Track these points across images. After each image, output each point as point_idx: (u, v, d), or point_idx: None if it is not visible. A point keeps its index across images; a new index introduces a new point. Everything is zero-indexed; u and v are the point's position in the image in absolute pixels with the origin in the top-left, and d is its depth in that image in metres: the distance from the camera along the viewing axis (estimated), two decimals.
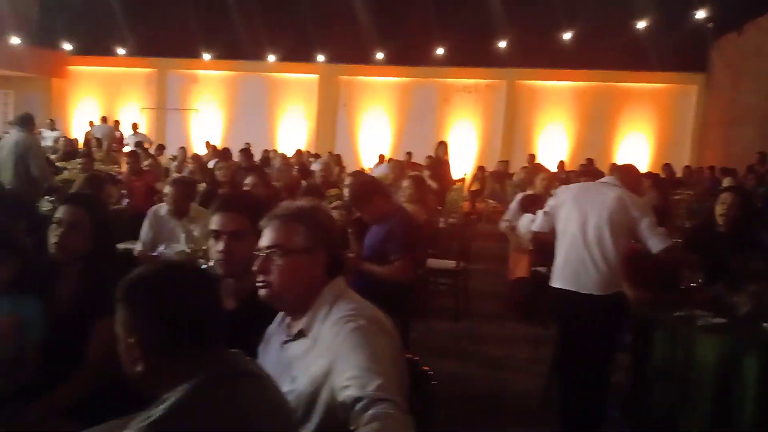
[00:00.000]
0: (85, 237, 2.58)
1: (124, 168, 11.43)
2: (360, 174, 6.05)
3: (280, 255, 1.86)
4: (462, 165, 15.92)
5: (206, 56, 17.44)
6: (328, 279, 1.90)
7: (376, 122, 17.80)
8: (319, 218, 1.95)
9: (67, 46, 18.28)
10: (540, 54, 15.36)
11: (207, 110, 18.47)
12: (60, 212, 2.58)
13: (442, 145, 11.42)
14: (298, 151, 13.50)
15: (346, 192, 5.24)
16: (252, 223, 2.40)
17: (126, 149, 14.99)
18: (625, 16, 14.85)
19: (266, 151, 13.45)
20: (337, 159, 13.33)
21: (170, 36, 16.74)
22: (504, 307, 6.64)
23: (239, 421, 1.41)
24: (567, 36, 15.46)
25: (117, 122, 16.93)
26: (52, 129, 16.10)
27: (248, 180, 5.38)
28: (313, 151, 15.25)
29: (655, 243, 3.59)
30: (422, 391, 1.99)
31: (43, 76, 18.67)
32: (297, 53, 16.87)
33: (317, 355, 1.76)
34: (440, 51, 16.22)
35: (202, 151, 14.51)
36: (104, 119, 16.91)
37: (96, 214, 2.65)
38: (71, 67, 18.94)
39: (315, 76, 17.80)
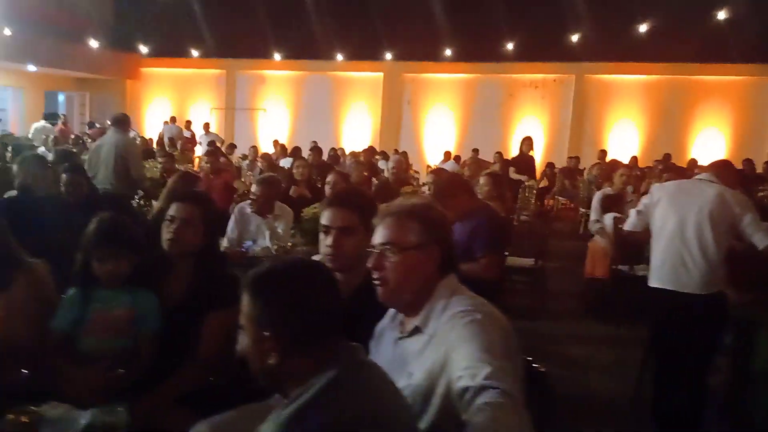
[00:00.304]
0: (196, 233, 2.66)
1: (196, 167, 11.79)
2: (443, 171, 6.01)
3: (394, 252, 1.88)
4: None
5: (277, 56, 17.74)
6: (441, 276, 1.91)
7: (441, 119, 17.75)
8: (432, 215, 1.96)
9: (143, 49, 18.85)
10: (611, 47, 15.02)
11: (273, 109, 18.78)
12: (173, 209, 2.66)
13: (527, 141, 10.64)
14: (369, 149, 13.51)
15: (425, 189, 5.23)
16: (361, 219, 2.44)
17: (198, 149, 15.45)
18: (704, 6, 14.36)
19: (333, 149, 13.57)
20: (403, 156, 13.34)
21: (239, 38, 17.11)
22: (581, 306, 6.53)
23: (376, 411, 1.45)
24: (642, 28, 15.02)
25: (188, 122, 17.38)
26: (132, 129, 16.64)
27: (329, 178, 5.46)
28: (377, 149, 15.33)
29: (761, 238, 3.46)
30: (539, 389, 1.98)
31: (118, 78, 19.34)
32: (364, 52, 16.99)
33: (434, 350, 1.77)
34: (509, 46, 16.04)
35: (269, 149, 14.76)
36: (173, 119, 17.39)
37: (207, 211, 2.73)
38: (144, 69, 19.57)
39: (380, 74, 17.88)
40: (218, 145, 13.86)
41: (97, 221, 2.59)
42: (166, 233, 2.65)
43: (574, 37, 15.54)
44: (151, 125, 19.10)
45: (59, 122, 16.37)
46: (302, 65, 18.07)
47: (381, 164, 11.93)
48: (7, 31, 14.61)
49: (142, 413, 2.28)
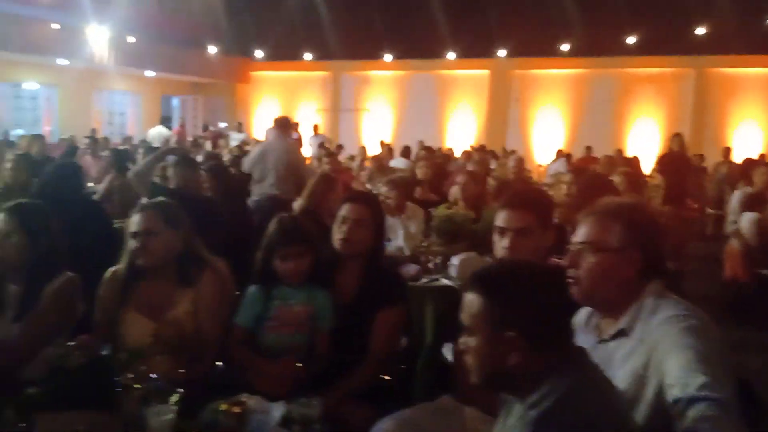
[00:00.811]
0: (367, 234, 2.72)
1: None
2: (584, 170, 5.87)
3: (591, 252, 1.84)
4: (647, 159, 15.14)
5: (387, 57, 17.94)
6: (644, 280, 1.84)
7: (550, 116, 17.40)
8: (637, 217, 1.90)
9: (257, 54, 19.48)
10: (737, 40, 14.20)
11: (377, 110, 18.99)
12: (346, 210, 2.73)
13: (677, 138, 9.37)
14: (482, 147, 13.38)
15: (562, 189, 5.12)
16: (538, 220, 2.42)
17: (308, 150, 15.79)
18: None
19: (439, 149, 13.56)
20: (511, 155, 13.13)
21: (346, 40, 17.39)
22: (722, 311, 6.20)
23: (613, 412, 1.45)
24: None
25: (296, 124, 17.79)
26: (240, 131, 17.30)
27: (460, 179, 5.46)
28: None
29: None
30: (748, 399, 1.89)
31: (229, 82, 20.13)
32: (474, 49, 16.88)
33: (642, 354, 1.72)
34: (629, 40, 15.50)
35: (373, 150, 14.90)
36: None
37: (377, 212, 2.79)
38: (254, 73, 20.25)
39: (486, 72, 17.74)
40: (327, 146, 14.14)
41: (278, 221, 2.68)
42: (339, 233, 2.72)
43: (698, 30, 14.83)
44: (259, 127, 19.74)
45: (177, 126, 17.17)
46: (408, 65, 18.19)
47: (493, 163, 11.79)
48: (131, 39, 15.50)
49: (328, 407, 2.34)
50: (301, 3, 16.85)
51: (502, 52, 17.17)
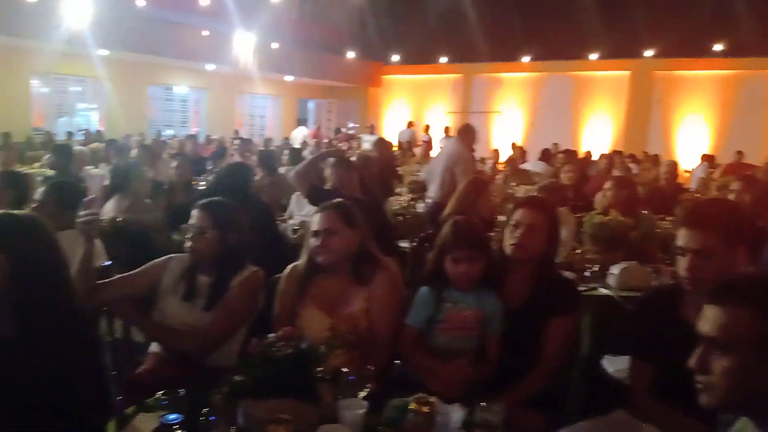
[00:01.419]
0: (541, 238, 2.69)
1: None
2: (753, 177, 5.50)
3: None
4: None
5: (525, 58, 17.71)
6: None
7: (695, 119, 16.43)
8: None
9: (393, 57, 19.79)
10: None
11: (509, 112, 18.74)
12: (519, 215, 2.71)
13: None
14: (619, 152, 12.83)
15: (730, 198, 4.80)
16: (724, 240, 2.18)
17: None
18: None
19: (569, 150, 13.14)
20: (654, 159, 12.54)
21: (481, 42, 17.30)
22: None
23: None
24: None
25: (427, 126, 17.95)
26: (372, 133, 17.63)
27: (607, 185, 5.24)
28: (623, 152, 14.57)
29: None
30: None
31: (361, 86, 20.60)
32: (617, 50, 16.31)
33: None
34: None
35: (505, 152, 14.69)
36: (410, 124, 18.06)
37: (551, 217, 2.75)
38: (386, 76, 20.61)
39: (626, 73, 17.04)
40: None
41: (453, 223, 2.71)
42: (511, 238, 2.70)
43: None
44: (389, 130, 20.04)
45: (313, 128, 17.78)
46: (544, 66, 17.84)
47: (634, 169, 11.31)
48: (274, 45, 16.23)
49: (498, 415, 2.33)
50: (440, 7, 16.92)
51: (648, 53, 16.42)
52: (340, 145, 14.72)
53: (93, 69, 14.80)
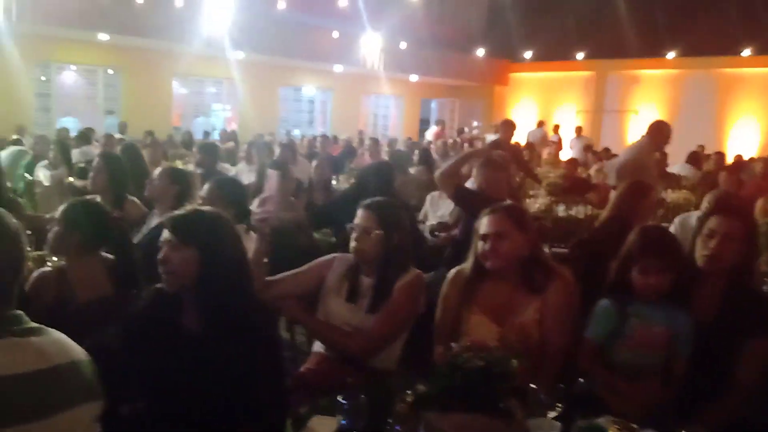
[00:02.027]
0: (738, 248, 2.42)
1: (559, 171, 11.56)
2: None
3: None
4: None
5: (670, 54, 16.73)
6: None
7: None
8: None
9: (527, 54, 19.33)
10: None
11: (646, 112, 17.79)
12: (713, 223, 2.45)
13: None
14: None
15: None
16: None
17: (571, 153, 15.31)
18: None
19: (720, 153, 12.22)
20: None
21: (618, 38, 16.48)
22: None
23: None
24: None
25: (556, 126, 17.37)
26: (496, 133, 17.26)
27: None
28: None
29: None
30: None
31: (486, 84, 20.28)
32: None
33: None
34: None
35: None
36: (540, 124, 17.54)
37: (750, 225, 2.48)
38: (513, 75, 20.17)
39: None
40: (593, 148, 13.56)
41: (642, 230, 2.50)
42: (704, 248, 2.45)
43: None
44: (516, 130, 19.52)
45: (437, 127, 17.68)
46: (688, 63, 16.71)
47: None
48: (402, 45, 16.28)
49: None
50: (578, 2, 16.28)
51: None
52: (467, 145, 14.54)
53: (228, 71, 15.43)
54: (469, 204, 4.36)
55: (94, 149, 9.08)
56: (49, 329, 1.48)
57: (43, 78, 14.22)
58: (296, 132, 17.31)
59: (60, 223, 2.65)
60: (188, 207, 2.10)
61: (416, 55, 16.81)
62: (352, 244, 2.69)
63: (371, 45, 15.83)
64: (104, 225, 2.68)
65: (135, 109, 14.29)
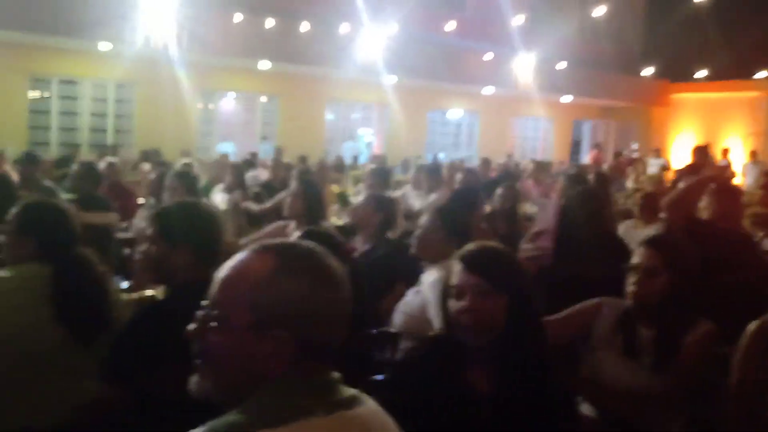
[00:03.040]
0: None
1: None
2: None
3: None
4: None
5: None
6: None
7: None
8: None
9: (697, 74, 18.04)
10: None
11: None
12: None
13: None
14: None
15: None
16: None
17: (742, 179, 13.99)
18: None
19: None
20: None
21: None
22: None
23: None
24: None
25: (725, 150, 15.96)
26: (657, 156, 16.21)
27: None
28: None
29: None
30: None
31: (643, 105, 19.09)
32: None
33: None
34: None
35: None
36: (707, 146, 16.15)
37: None
38: (675, 95, 18.86)
39: None
40: None
41: None
42: None
43: None
44: (678, 153, 18.17)
45: (595, 150, 16.84)
46: None
47: None
48: (560, 65, 15.63)
49: None
50: (748, 22, 14.96)
51: None
52: (627, 168, 13.62)
53: (378, 95, 15.49)
54: (702, 238, 3.76)
55: (261, 173, 9.27)
56: (365, 396, 1.18)
57: (210, 106, 14.91)
58: (441, 155, 17.03)
59: None
60: (483, 244, 1.75)
61: (572, 75, 16.10)
62: (630, 287, 2.25)
63: (524, 66, 15.32)
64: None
65: (290, 134, 14.63)
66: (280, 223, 4.41)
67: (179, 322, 1.19)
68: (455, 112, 18.40)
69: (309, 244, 1.20)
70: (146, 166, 10.16)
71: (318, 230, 2.53)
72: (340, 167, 12.63)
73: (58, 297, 2.28)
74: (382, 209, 3.54)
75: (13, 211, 2.46)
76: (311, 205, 4.04)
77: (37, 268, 2.33)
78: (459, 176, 7.12)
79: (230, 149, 14.48)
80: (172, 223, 2.18)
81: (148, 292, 2.74)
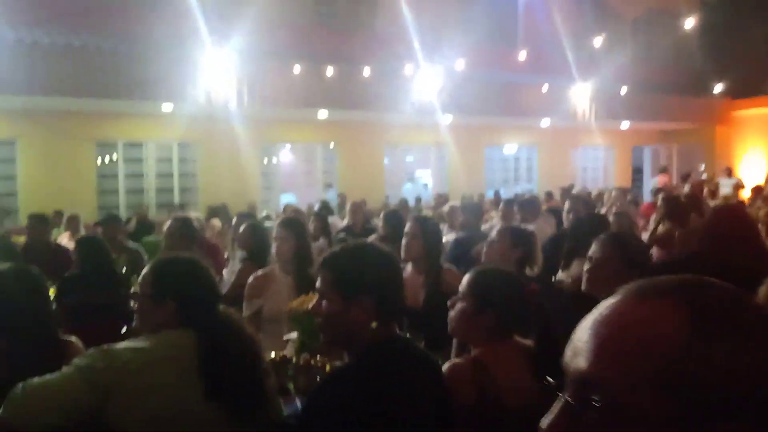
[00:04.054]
0: None
1: None
2: None
3: None
4: None
5: None
6: None
7: None
8: None
9: (732, 92, 17.55)
10: None
11: None
12: None
13: None
14: None
15: None
16: None
17: None
18: None
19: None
20: None
21: None
22: None
23: None
24: None
25: None
26: (729, 176, 15.63)
27: None
28: None
29: None
30: None
31: (704, 126, 18.51)
32: None
33: None
34: None
35: None
36: None
37: None
38: (736, 113, 18.25)
39: None
40: None
41: None
42: None
43: None
44: (747, 172, 17.49)
45: (663, 175, 16.32)
46: None
47: None
48: (623, 90, 15.30)
49: None
50: None
51: None
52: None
53: (435, 135, 15.37)
54: None
55: (336, 221, 9.13)
56: None
57: (270, 159, 14.96)
58: (501, 190, 16.70)
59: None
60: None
61: (631, 100, 15.72)
62: None
63: (581, 95, 15.02)
64: (521, 301, 2.15)
65: (350, 180, 14.58)
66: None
67: (379, 396, 0.91)
68: (512, 147, 18.13)
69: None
70: (216, 222, 10.16)
71: (503, 272, 2.26)
72: (404, 209, 12.45)
73: (208, 368, 1.96)
74: (520, 243, 3.25)
75: (145, 271, 2.18)
76: (430, 246, 3.80)
77: (178, 335, 2.01)
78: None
79: (292, 200, 14.45)
80: (346, 272, 1.83)
81: None
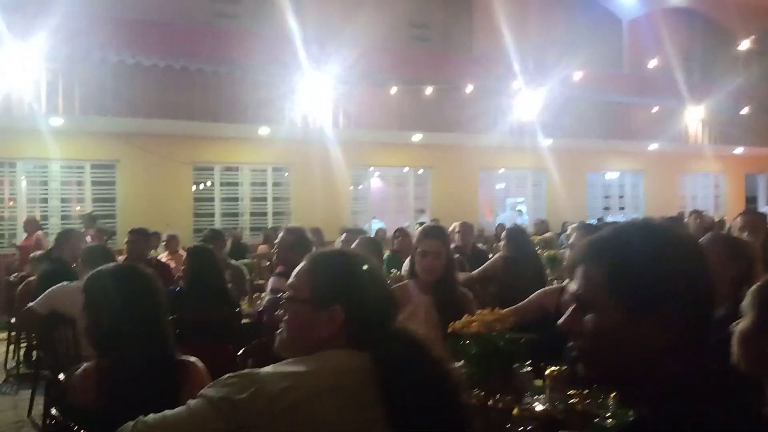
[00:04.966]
0: None
1: None
2: None
3: None
4: None
5: None
6: None
7: None
8: None
9: None
10: None
11: None
12: None
13: None
14: None
15: None
16: None
17: None
18: None
19: None
20: None
21: None
22: None
23: None
24: None
25: None
26: None
27: None
28: None
29: None
30: None
31: None
32: None
33: None
34: None
35: None
36: None
37: None
38: None
39: None
40: None
41: None
42: None
43: None
44: None
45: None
46: None
47: None
48: (744, 110, 14.20)
49: None
50: None
51: None
52: None
53: (533, 160, 14.71)
54: None
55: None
56: None
57: (362, 183, 14.64)
58: (607, 219, 15.76)
59: None
60: None
61: (746, 123, 14.55)
62: None
63: (693, 118, 14.02)
64: None
65: (443, 205, 14.05)
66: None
67: None
68: (613, 173, 17.18)
69: None
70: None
71: None
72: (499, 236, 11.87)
73: (390, 395, 1.47)
74: (739, 257, 2.57)
75: (300, 269, 1.65)
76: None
77: (349, 355, 1.53)
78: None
79: (382, 226, 14.03)
80: (642, 276, 1.11)
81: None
